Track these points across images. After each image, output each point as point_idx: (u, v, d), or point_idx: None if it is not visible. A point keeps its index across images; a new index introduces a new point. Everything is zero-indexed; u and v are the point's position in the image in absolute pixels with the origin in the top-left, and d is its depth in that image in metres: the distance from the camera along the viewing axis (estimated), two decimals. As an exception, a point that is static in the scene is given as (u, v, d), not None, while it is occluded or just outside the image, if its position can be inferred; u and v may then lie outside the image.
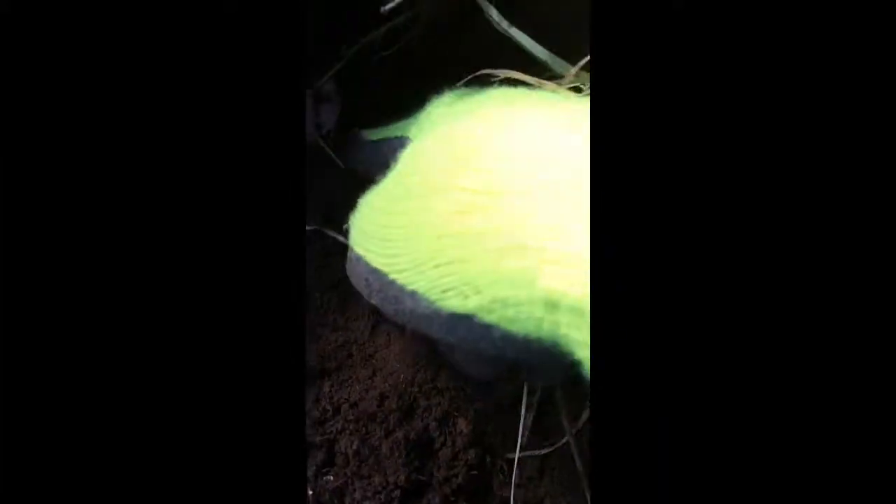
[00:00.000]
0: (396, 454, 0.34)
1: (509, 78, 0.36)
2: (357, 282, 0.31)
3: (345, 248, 0.41)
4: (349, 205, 0.43)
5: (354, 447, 0.35)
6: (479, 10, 0.38)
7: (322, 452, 0.35)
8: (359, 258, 0.30)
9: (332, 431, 0.35)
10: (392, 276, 0.28)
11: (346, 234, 0.33)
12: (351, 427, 0.35)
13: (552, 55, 0.38)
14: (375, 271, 0.29)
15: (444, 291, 0.25)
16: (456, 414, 0.36)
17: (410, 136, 0.35)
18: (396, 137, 0.37)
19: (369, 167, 0.38)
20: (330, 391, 0.36)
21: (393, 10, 0.37)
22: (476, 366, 0.33)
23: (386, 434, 0.35)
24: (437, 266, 0.25)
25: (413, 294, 0.27)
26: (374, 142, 0.40)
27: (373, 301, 0.30)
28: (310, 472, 0.34)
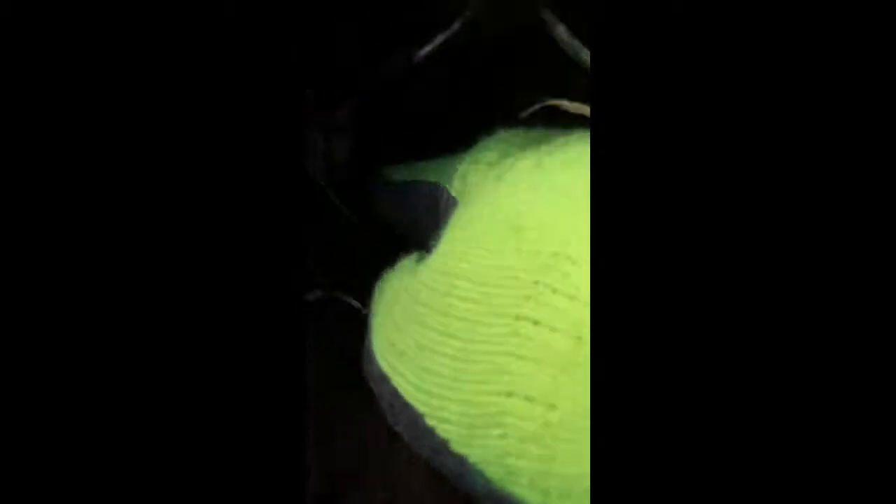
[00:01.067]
0: None
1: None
2: (379, 396, 0.23)
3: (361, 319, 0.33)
4: (367, 266, 0.35)
5: None
6: (543, 26, 0.32)
7: None
8: (383, 376, 0.22)
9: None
10: (431, 424, 0.20)
11: (361, 313, 0.27)
12: None
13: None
14: (407, 406, 0.21)
15: (511, 474, 0.18)
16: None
17: (451, 191, 0.27)
18: (429, 183, 0.29)
19: (389, 214, 0.33)
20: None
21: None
22: None
23: None
24: (503, 437, 0.18)
25: (463, 461, 0.19)
26: (395, 183, 0.33)
27: (399, 430, 0.23)
28: None
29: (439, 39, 0.28)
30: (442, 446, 0.20)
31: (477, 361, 0.20)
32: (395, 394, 0.22)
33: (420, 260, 0.25)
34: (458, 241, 0.23)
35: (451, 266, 0.22)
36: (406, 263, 0.26)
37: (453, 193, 0.27)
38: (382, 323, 0.24)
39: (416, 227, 0.29)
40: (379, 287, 0.27)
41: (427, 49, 0.29)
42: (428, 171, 0.30)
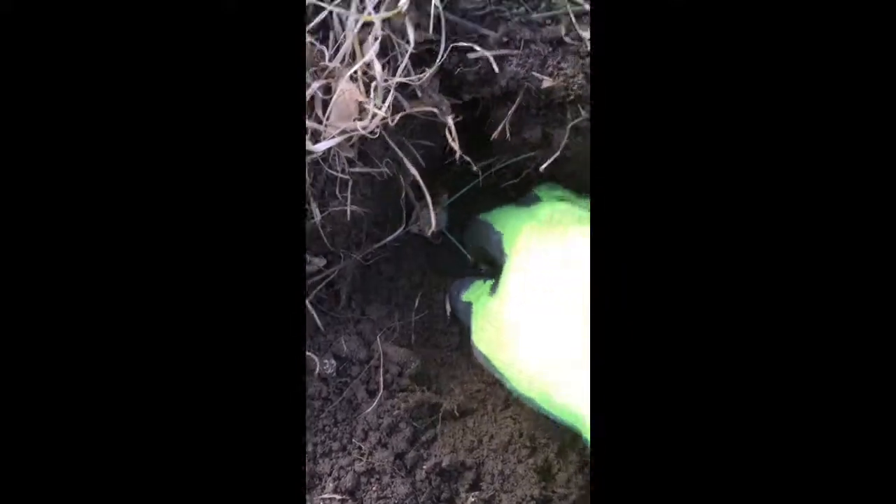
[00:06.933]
0: (529, 475, 0.46)
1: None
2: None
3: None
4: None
5: (499, 469, 0.46)
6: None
7: (473, 473, 0.45)
8: (485, 360, 0.44)
9: (479, 456, 0.46)
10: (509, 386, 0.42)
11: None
12: (493, 455, 0.46)
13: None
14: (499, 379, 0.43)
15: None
16: (568, 449, 0.48)
17: (504, 245, 0.44)
18: (493, 228, 0.46)
19: (475, 242, 0.50)
20: (474, 426, 0.48)
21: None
22: None
23: (518, 461, 0.46)
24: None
25: (530, 400, 0.41)
26: (476, 220, 0.50)
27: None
28: (463, 490, 0.45)
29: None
30: (529, 401, 0.41)
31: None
32: (494, 370, 0.43)
33: (491, 294, 0.43)
34: (509, 282, 0.41)
35: (505, 294, 0.41)
36: (483, 288, 0.45)
37: (505, 248, 0.43)
38: (477, 330, 0.44)
39: (485, 252, 0.47)
40: (466, 297, 0.47)
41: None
42: (495, 218, 0.47)
